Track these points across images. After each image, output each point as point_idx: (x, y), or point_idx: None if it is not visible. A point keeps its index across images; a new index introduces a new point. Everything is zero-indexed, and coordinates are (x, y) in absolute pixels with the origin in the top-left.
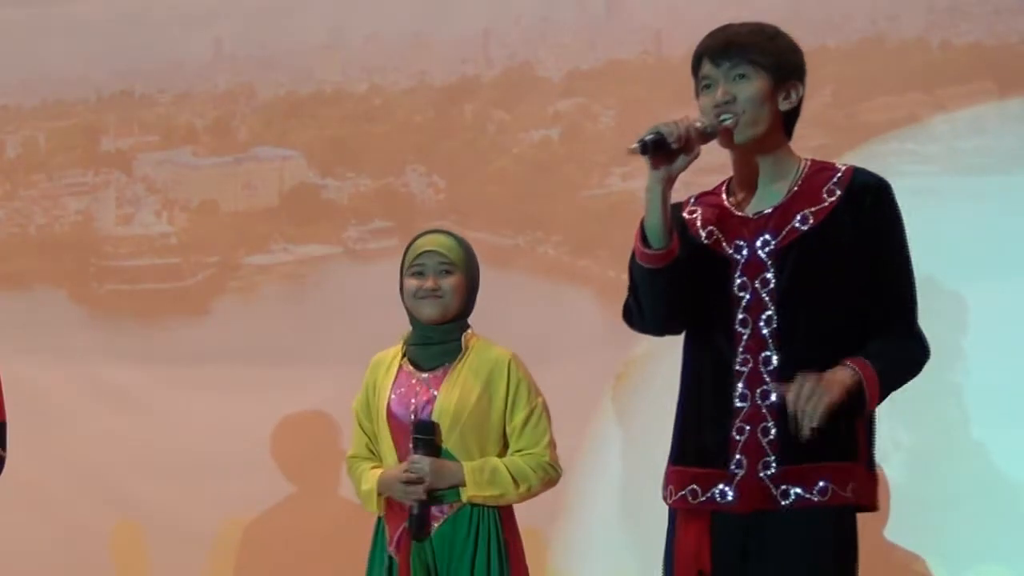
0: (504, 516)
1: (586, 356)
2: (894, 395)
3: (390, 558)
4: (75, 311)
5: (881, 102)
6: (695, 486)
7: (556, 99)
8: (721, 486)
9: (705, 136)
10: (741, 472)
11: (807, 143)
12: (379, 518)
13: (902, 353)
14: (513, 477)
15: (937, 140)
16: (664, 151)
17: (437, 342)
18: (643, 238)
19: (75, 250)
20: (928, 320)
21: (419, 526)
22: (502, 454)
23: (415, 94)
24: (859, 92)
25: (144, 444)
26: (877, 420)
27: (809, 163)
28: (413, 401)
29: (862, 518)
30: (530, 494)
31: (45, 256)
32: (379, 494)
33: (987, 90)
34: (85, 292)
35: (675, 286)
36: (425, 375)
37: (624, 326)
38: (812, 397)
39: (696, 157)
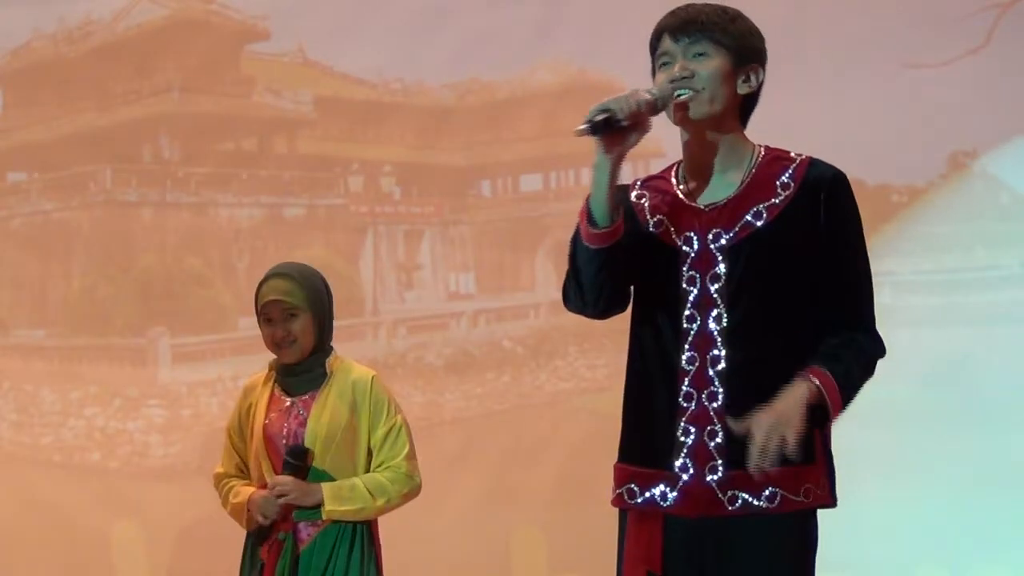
0: (372, 531)
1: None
2: (893, 400)
3: (262, 562)
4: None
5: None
6: (633, 485)
7: (555, 102)
8: (662, 487)
9: (655, 108)
10: (686, 475)
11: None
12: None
13: (860, 354)
14: (370, 491)
15: None
16: (615, 129)
17: (302, 372)
18: (588, 216)
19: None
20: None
21: (261, 536)
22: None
23: (415, 95)
24: None
25: (146, 444)
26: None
27: (763, 150)
28: (286, 426)
29: None
30: (389, 506)
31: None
32: (248, 510)
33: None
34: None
35: (618, 267)
36: (295, 400)
37: None
38: (774, 435)
39: (648, 131)
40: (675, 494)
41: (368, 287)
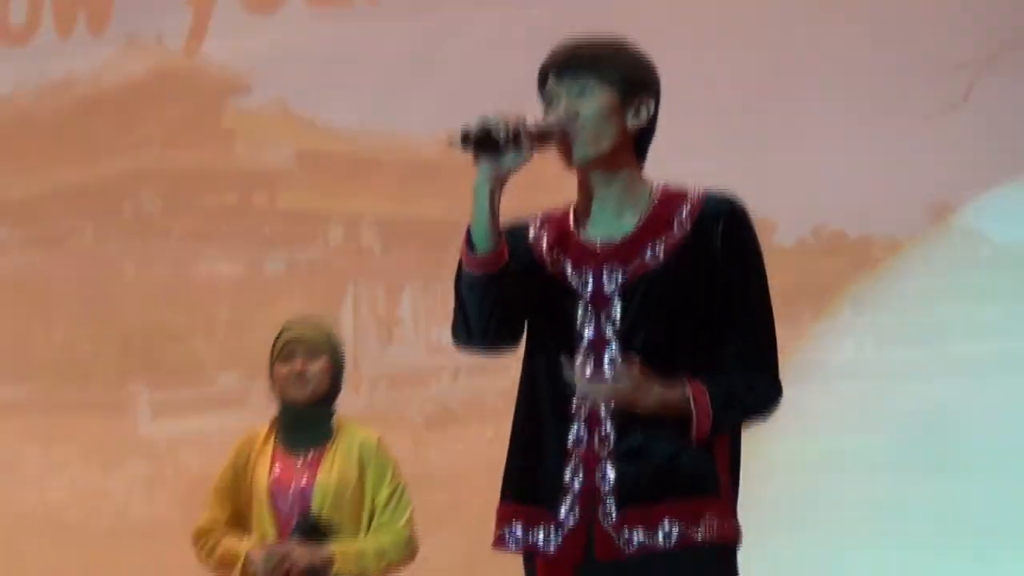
0: None
1: None
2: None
3: None
4: None
5: None
6: (515, 526)
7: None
8: (545, 529)
9: (540, 137)
10: (572, 518)
11: None
12: None
13: (750, 390)
14: (376, 554)
15: None
16: (490, 147)
17: (308, 426)
18: (469, 242)
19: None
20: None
21: None
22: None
23: (397, 148)
24: None
25: (127, 501)
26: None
27: (661, 188)
28: (293, 484)
29: None
30: (388, 569)
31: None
32: (244, 566)
33: None
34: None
35: (504, 297)
36: (300, 458)
37: None
38: (612, 389)
39: (528, 159)
40: (559, 537)
41: (348, 342)
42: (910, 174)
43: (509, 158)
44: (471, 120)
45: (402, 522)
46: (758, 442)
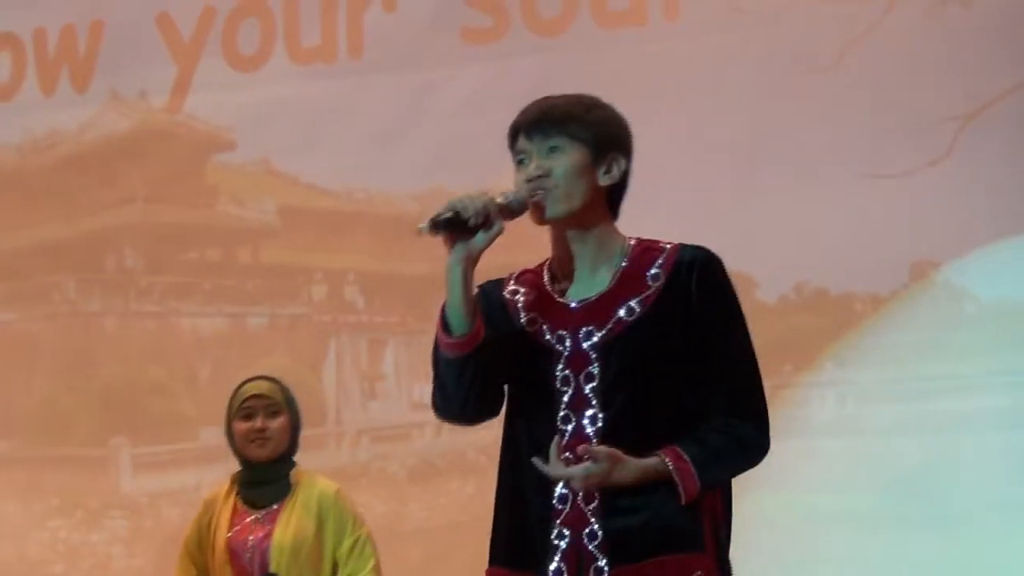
0: None
1: None
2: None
3: None
4: None
5: None
6: None
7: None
8: None
9: (509, 212)
10: None
11: None
12: None
13: (733, 441)
14: None
15: None
16: (460, 229)
17: (268, 482)
18: (444, 323)
19: None
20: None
21: None
22: None
23: (380, 204)
24: None
25: (108, 556)
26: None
27: (634, 243)
28: (251, 538)
29: None
30: None
31: None
32: None
33: None
34: None
35: (482, 372)
36: (260, 513)
37: None
38: (587, 479)
39: (499, 234)
40: None
41: (331, 396)
42: (892, 230)
43: (480, 237)
44: (439, 206)
45: (367, 569)
46: (739, 499)
